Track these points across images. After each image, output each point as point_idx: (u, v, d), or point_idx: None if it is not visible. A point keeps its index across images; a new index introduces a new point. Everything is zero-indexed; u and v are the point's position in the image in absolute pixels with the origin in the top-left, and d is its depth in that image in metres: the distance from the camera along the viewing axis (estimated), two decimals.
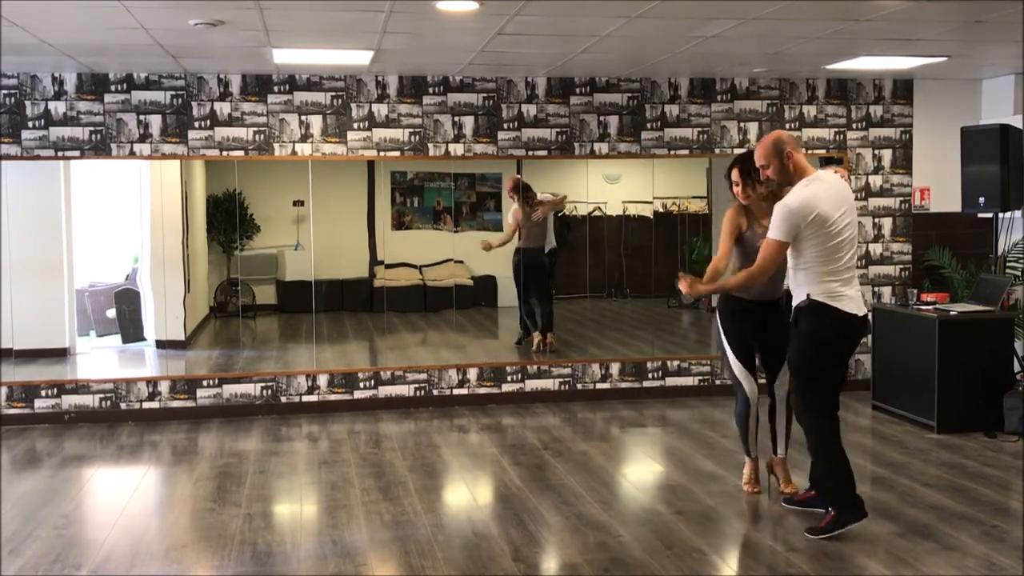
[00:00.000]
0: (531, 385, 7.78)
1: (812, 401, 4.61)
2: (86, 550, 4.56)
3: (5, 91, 7.05)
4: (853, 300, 4.54)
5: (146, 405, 7.32)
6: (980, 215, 7.56)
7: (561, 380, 7.82)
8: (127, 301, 8.70)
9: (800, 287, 4.58)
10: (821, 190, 4.46)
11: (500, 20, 5.51)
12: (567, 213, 9.34)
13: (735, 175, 5.01)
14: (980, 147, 7.10)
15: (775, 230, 4.48)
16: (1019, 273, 7.61)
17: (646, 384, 7.94)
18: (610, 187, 9.31)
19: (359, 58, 6.61)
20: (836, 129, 8.02)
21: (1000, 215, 7.26)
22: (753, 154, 4.71)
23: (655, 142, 7.85)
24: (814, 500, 4.85)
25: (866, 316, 4.62)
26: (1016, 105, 7.80)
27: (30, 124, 7.08)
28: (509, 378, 7.78)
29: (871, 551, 4.43)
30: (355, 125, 7.47)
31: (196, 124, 7.27)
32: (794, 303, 4.64)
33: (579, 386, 7.84)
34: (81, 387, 7.27)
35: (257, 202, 9.31)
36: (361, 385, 7.59)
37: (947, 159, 7.83)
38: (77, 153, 7.16)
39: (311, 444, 6.57)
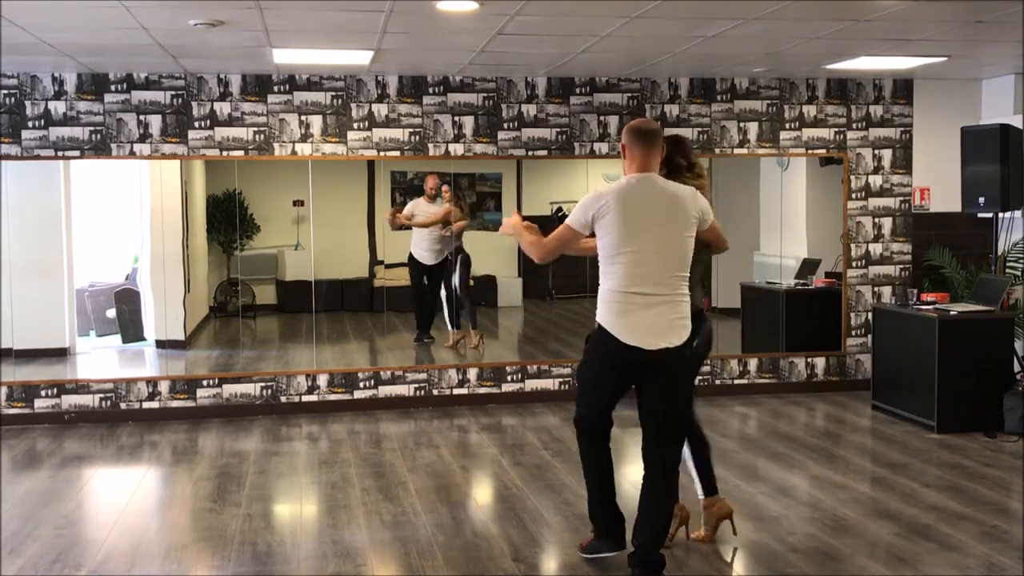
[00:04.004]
0: (531, 385, 7.78)
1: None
2: (86, 550, 4.56)
3: (5, 91, 7.05)
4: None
5: (146, 405, 7.32)
6: (980, 215, 7.56)
7: (561, 380, 7.82)
8: (127, 301, 8.70)
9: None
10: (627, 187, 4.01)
11: (500, 20, 5.51)
12: (566, 213, 9.32)
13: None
14: (980, 147, 7.10)
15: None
16: (1019, 273, 7.61)
17: None
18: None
19: (359, 58, 6.61)
20: (836, 129, 8.02)
21: (1000, 215, 7.26)
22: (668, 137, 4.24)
23: None
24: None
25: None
26: (1016, 105, 7.80)
27: (30, 124, 7.08)
28: (509, 378, 7.77)
29: (871, 551, 4.43)
30: (355, 125, 7.46)
31: (196, 124, 7.27)
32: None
33: None
34: (81, 387, 7.27)
35: (257, 202, 9.29)
36: (361, 385, 7.59)
37: (947, 159, 7.83)
38: (77, 153, 7.16)
39: (311, 444, 6.57)
